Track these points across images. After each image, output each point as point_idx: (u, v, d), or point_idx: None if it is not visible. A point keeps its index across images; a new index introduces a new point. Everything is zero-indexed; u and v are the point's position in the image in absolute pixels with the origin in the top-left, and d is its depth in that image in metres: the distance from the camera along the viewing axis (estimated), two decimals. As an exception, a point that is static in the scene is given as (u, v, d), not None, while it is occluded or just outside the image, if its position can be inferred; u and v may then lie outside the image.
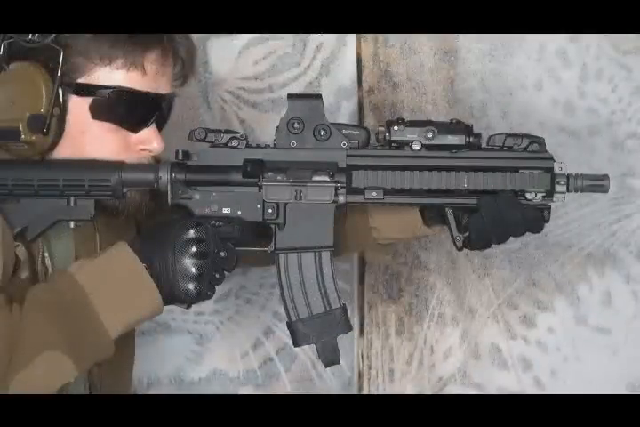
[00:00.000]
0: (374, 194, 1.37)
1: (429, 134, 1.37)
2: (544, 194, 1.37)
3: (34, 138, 1.32)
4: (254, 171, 1.36)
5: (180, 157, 1.37)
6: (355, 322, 1.89)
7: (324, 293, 1.40)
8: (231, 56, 1.86)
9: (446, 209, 1.39)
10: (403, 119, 1.38)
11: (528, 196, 1.37)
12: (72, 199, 1.36)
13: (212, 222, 1.34)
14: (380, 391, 1.91)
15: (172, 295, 1.30)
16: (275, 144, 1.39)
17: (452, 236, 1.40)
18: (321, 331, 1.39)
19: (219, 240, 1.33)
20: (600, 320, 1.88)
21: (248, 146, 1.38)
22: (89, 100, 1.34)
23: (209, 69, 1.86)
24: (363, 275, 1.91)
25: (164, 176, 1.36)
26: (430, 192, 1.38)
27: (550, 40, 1.83)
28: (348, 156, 1.38)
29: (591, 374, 1.88)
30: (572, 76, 1.84)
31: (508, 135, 1.38)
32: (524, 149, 1.38)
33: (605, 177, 1.39)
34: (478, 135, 1.38)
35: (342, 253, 1.57)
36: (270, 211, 1.37)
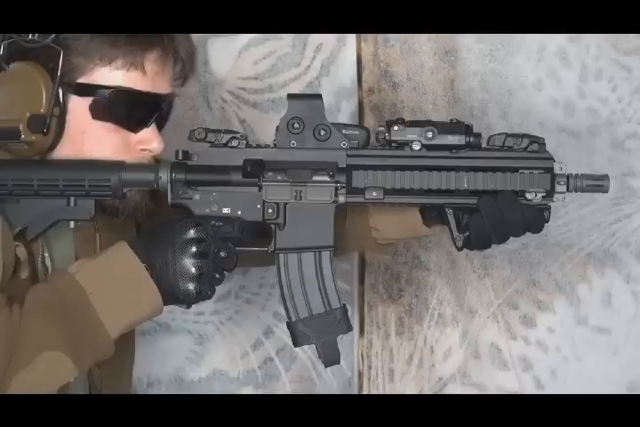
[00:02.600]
0: (374, 194, 1.37)
1: (429, 134, 1.37)
2: (544, 194, 1.37)
3: (34, 138, 1.32)
4: (254, 171, 1.36)
5: (180, 157, 1.37)
6: (355, 322, 1.89)
7: (324, 293, 1.40)
8: (231, 56, 1.86)
9: (446, 209, 1.39)
10: (403, 119, 1.38)
11: (528, 196, 1.37)
12: (72, 199, 1.36)
13: (212, 222, 1.34)
14: (380, 391, 1.91)
15: (172, 295, 1.30)
16: (275, 144, 1.39)
17: (452, 236, 1.40)
18: (321, 331, 1.39)
19: (219, 240, 1.33)
20: (600, 320, 1.88)
21: (248, 146, 1.38)
22: (89, 100, 1.34)
23: (209, 69, 1.86)
24: (363, 275, 1.91)
25: (164, 176, 1.36)
26: (430, 192, 1.38)
27: (550, 40, 1.83)
28: (348, 156, 1.38)
29: (591, 374, 1.88)
30: (572, 76, 1.84)
31: (508, 135, 1.38)
32: (524, 149, 1.38)
33: (605, 177, 1.39)
34: (478, 135, 1.38)
35: (342, 253, 1.57)
36: (270, 211, 1.37)
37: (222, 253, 1.33)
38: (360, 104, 1.87)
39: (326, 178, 1.36)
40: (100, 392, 1.44)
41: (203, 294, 1.31)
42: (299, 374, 1.92)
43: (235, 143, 1.38)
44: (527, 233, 1.39)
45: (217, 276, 1.32)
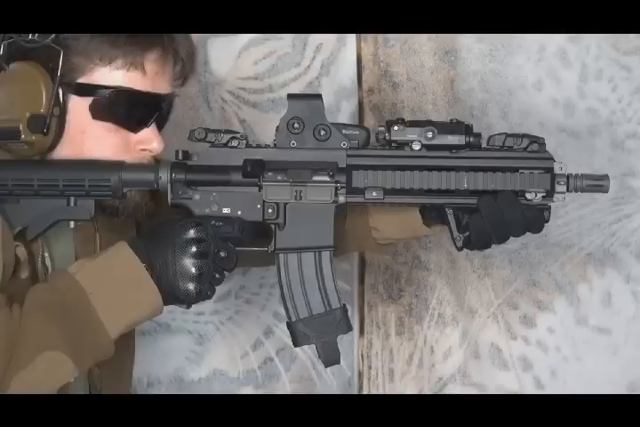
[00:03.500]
0: (374, 194, 1.37)
1: (429, 134, 1.37)
2: (544, 194, 1.37)
3: (34, 138, 1.32)
4: (254, 171, 1.36)
5: (180, 157, 1.37)
6: (355, 322, 1.89)
7: (324, 293, 1.40)
8: (231, 56, 1.86)
9: (446, 209, 1.39)
10: (403, 119, 1.38)
11: (528, 196, 1.37)
12: (72, 199, 1.36)
13: (212, 222, 1.34)
14: (380, 391, 1.91)
15: (172, 295, 1.30)
16: (275, 144, 1.39)
17: (452, 236, 1.40)
18: (321, 331, 1.39)
19: (219, 240, 1.33)
20: (600, 320, 1.88)
21: (248, 146, 1.38)
22: (89, 100, 1.34)
23: (209, 69, 1.86)
24: (363, 275, 1.91)
25: (164, 176, 1.36)
26: (430, 192, 1.38)
27: (550, 40, 1.83)
28: (348, 156, 1.38)
29: (591, 374, 1.88)
30: (572, 76, 1.84)
31: (508, 135, 1.38)
32: (524, 149, 1.38)
33: (605, 177, 1.39)
34: (478, 135, 1.38)
35: (342, 253, 1.57)
36: (270, 211, 1.37)
37: (222, 253, 1.33)
38: (360, 104, 1.87)
39: (326, 178, 1.36)
40: (100, 392, 1.44)
41: (203, 294, 1.31)
42: (299, 374, 1.92)
43: (235, 143, 1.38)
44: (527, 233, 1.39)
45: (217, 276, 1.32)
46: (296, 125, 1.37)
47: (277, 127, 1.38)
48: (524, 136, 1.38)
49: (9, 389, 1.23)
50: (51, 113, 1.32)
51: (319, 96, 1.39)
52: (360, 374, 1.92)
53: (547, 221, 1.39)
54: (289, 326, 1.40)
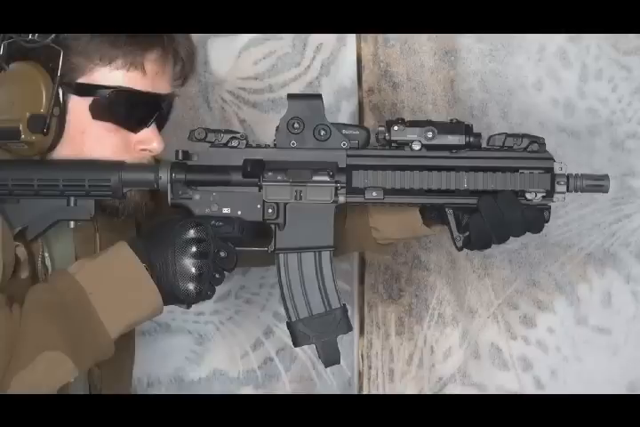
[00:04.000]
0: (374, 194, 1.37)
1: (429, 134, 1.37)
2: (544, 194, 1.37)
3: (34, 138, 1.32)
4: (254, 171, 1.36)
5: (180, 157, 1.37)
6: (355, 322, 1.89)
7: (324, 293, 1.40)
8: (231, 56, 1.86)
9: (446, 209, 1.39)
10: (403, 119, 1.38)
11: (528, 196, 1.37)
12: (72, 199, 1.36)
13: (212, 222, 1.34)
14: (380, 391, 1.91)
15: (172, 295, 1.30)
16: (275, 144, 1.39)
17: (452, 236, 1.40)
18: (321, 331, 1.39)
19: (219, 240, 1.33)
20: (600, 320, 1.88)
21: (248, 146, 1.38)
22: (89, 100, 1.34)
23: (209, 69, 1.86)
24: (363, 275, 1.91)
25: (164, 176, 1.36)
26: (430, 192, 1.38)
27: (550, 40, 1.83)
28: (347, 156, 1.38)
29: (591, 374, 1.88)
30: (572, 76, 1.85)
31: (508, 135, 1.38)
32: (524, 149, 1.38)
33: (605, 177, 1.39)
34: (478, 135, 1.38)
35: (342, 253, 1.57)
36: (270, 211, 1.37)
37: (222, 253, 1.33)
38: (360, 104, 1.87)
39: (326, 178, 1.36)
40: (100, 392, 1.44)
41: (203, 294, 1.31)
42: (299, 374, 1.92)
43: (235, 143, 1.38)
44: (527, 233, 1.39)
45: (217, 276, 1.33)
46: (296, 125, 1.37)
47: (277, 127, 1.38)
48: (524, 136, 1.38)
49: (9, 389, 1.23)
50: (51, 113, 1.32)
51: (319, 96, 1.39)
52: (360, 374, 1.92)
53: (547, 221, 1.39)
54: (289, 326, 1.40)
